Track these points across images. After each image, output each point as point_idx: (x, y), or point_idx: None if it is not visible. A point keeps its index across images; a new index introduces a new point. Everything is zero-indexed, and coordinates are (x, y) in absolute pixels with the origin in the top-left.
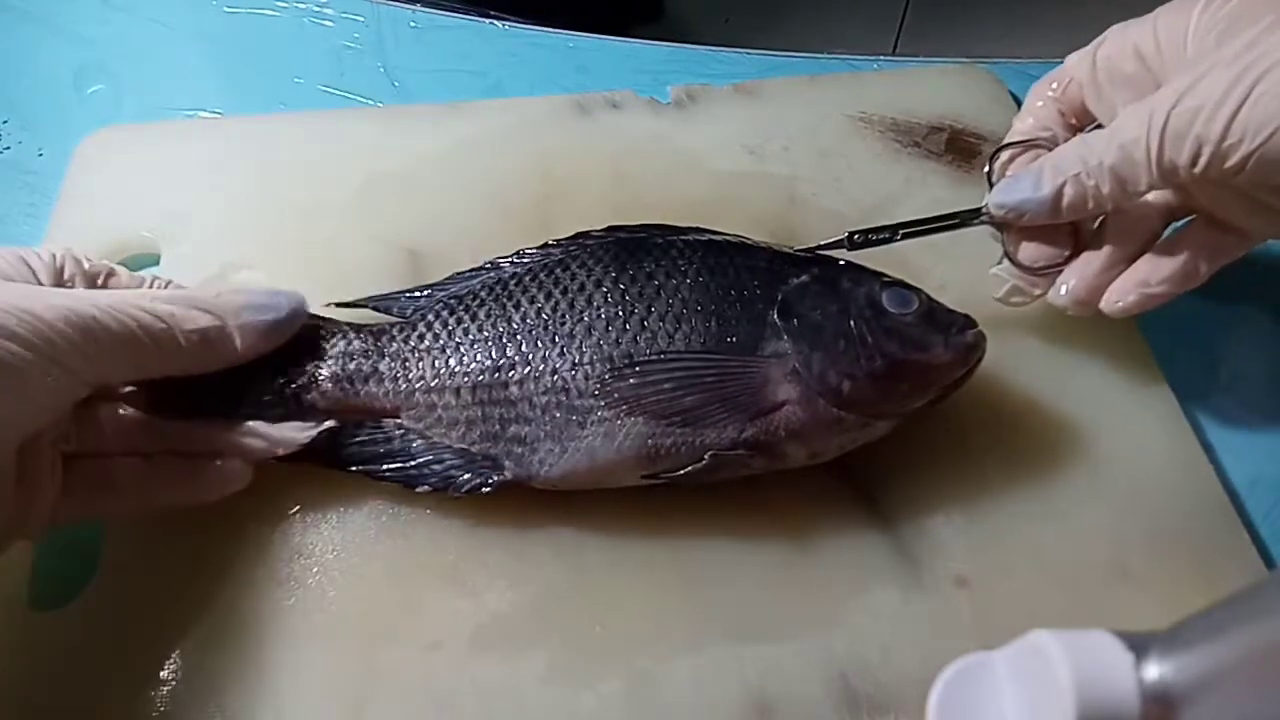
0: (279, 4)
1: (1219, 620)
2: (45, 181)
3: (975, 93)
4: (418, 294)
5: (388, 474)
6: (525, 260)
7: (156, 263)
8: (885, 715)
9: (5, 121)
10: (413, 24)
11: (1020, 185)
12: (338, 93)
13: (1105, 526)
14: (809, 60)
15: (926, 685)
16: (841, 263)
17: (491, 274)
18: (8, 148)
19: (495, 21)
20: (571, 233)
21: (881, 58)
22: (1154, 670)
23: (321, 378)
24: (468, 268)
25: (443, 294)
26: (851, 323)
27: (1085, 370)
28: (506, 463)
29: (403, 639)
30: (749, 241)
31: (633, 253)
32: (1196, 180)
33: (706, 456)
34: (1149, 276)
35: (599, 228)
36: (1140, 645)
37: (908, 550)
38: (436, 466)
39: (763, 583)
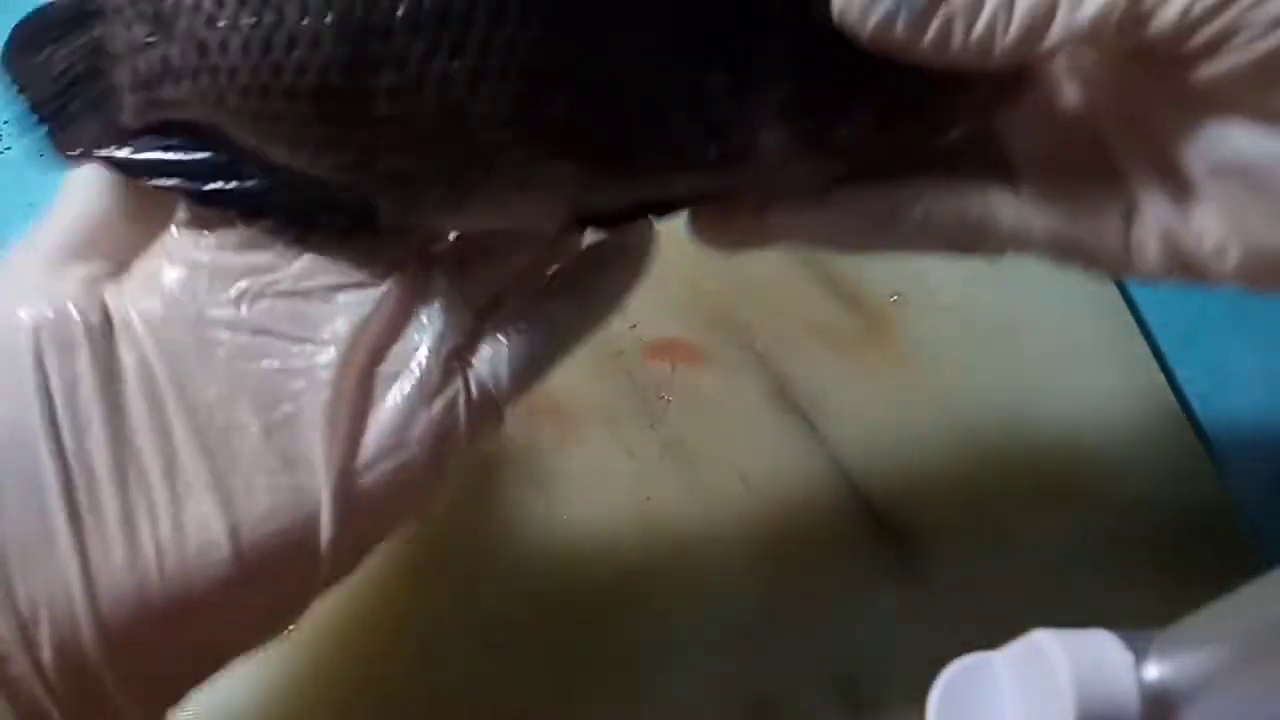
0: None
1: (1219, 620)
2: (45, 181)
3: None
4: None
5: (210, 196)
6: None
7: None
8: (885, 715)
9: (5, 122)
10: None
11: None
12: None
13: (1105, 526)
14: None
15: (926, 685)
16: None
17: None
18: (8, 148)
19: None
20: None
21: None
22: (1154, 670)
23: (123, 91)
24: None
25: None
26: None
27: (1085, 371)
28: (383, 202)
29: (402, 638)
30: None
31: None
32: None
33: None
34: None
35: None
36: (1140, 645)
37: (907, 550)
38: (277, 197)
39: (762, 582)
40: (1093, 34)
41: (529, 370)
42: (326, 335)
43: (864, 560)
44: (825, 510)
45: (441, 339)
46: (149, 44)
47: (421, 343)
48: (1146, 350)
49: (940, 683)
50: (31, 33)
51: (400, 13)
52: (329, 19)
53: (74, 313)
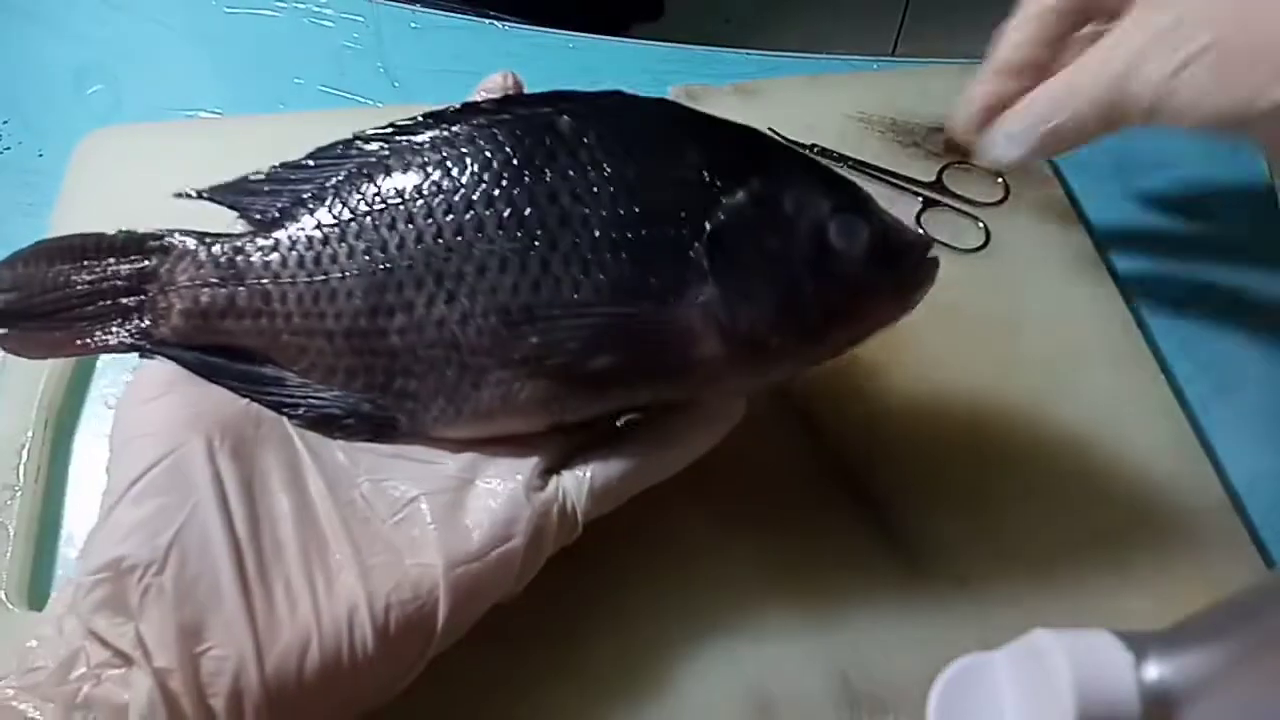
0: (279, 4)
1: (1219, 620)
2: (45, 181)
3: None
4: (274, 179)
5: (254, 395)
6: (399, 142)
7: None
8: (885, 715)
9: (5, 122)
10: (413, 24)
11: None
12: (338, 93)
13: (1105, 526)
14: (809, 60)
15: (926, 685)
16: (792, 163)
17: (357, 158)
18: (8, 148)
19: (495, 21)
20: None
21: (881, 58)
22: (1154, 670)
23: (172, 311)
24: (330, 143)
25: (306, 186)
26: (791, 267)
27: (1085, 371)
28: (399, 416)
29: None
30: (681, 127)
31: (533, 152)
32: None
33: (621, 421)
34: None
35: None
36: (1140, 645)
37: (908, 550)
38: (315, 402)
39: (762, 582)
40: None
41: (604, 496)
42: (449, 458)
43: (864, 559)
44: (826, 510)
45: (542, 458)
46: (217, 285)
47: (528, 460)
48: (1146, 350)
49: (940, 683)
50: (73, 246)
51: (409, 271)
52: (358, 278)
53: (240, 424)
